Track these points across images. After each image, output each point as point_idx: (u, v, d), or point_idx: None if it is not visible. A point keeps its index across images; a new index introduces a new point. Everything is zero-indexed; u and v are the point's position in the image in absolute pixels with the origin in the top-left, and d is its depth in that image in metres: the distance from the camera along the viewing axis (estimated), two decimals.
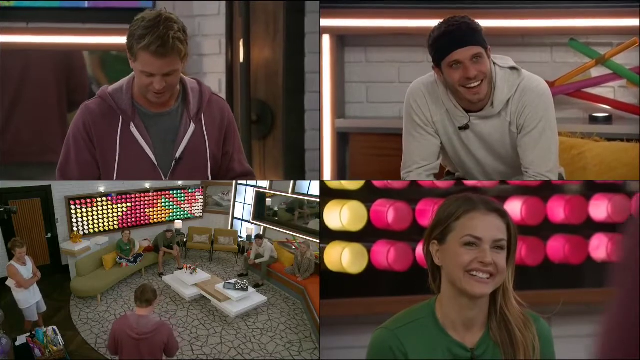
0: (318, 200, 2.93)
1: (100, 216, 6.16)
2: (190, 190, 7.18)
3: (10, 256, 4.07)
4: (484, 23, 2.49)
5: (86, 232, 6.01)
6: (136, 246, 6.01)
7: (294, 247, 5.95)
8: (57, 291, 5.11)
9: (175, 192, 7.03)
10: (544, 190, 2.91)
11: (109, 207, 6.24)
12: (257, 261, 5.87)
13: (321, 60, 3.71)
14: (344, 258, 2.78)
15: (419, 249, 2.68)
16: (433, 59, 2.50)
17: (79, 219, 5.94)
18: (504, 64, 2.53)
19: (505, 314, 1.55)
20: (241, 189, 7.19)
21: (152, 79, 2.18)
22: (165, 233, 6.37)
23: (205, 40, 3.83)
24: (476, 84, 2.45)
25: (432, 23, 2.51)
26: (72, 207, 5.86)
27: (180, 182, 6.83)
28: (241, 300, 4.87)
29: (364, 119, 3.84)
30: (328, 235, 2.82)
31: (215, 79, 3.78)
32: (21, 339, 3.54)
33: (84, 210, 5.97)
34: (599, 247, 2.91)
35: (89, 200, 5.99)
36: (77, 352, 4.02)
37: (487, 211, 1.52)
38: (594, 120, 3.57)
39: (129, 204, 6.46)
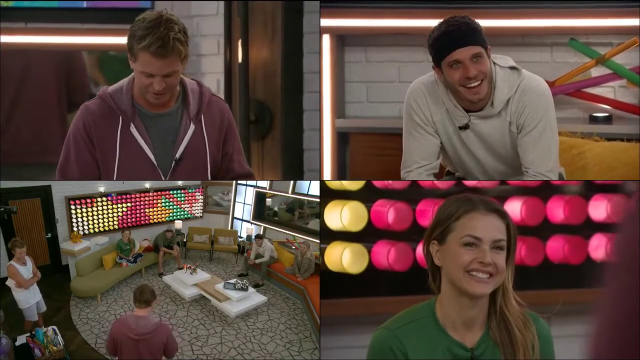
0: (318, 200, 2.93)
1: (100, 216, 6.16)
2: (190, 191, 7.18)
3: (10, 256, 4.07)
4: (484, 23, 2.49)
5: (86, 232, 6.01)
6: (136, 246, 6.01)
7: (294, 247, 5.95)
8: (57, 291, 5.11)
9: (175, 192, 7.03)
10: (544, 191, 2.91)
11: (109, 207, 6.24)
12: (257, 261, 5.87)
13: (321, 60, 3.71)
14: (344, 258, 2.78)
15: (419, 249, 2.68)
16: (433, 58, 2.50)
17: (79, 219, 5.94)
18: (504, 64, 2.53)
19: (504, 314, 1.55)
20: (241, 189, 7.19)
21: (151, 80, 2.18)
22: (165, 233, 6.36)
23: (203, 41, 3.82)
24: (476, 83, 2.45)
25: (432, 23, 2.51)
26: (72, 207, 5.86)
27: (180, 182, 6.83)
28: (241, 300, 4.87)
29: (364, 119, 3.84)
30: (329, 236, 2.83)
31: (213, 79, 3.78)
32: (21, 339, 3.54)
33: (84, 210, 5.97)
34: (599, 247, 2.91)
35: (89, 200, 5.99)
36: (77, 352, 4.02)
37: (487, 211, 1.52)
38: (594, 120, 3.57)
39: (129, 204, 6.46)
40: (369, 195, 2.82)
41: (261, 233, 6.49)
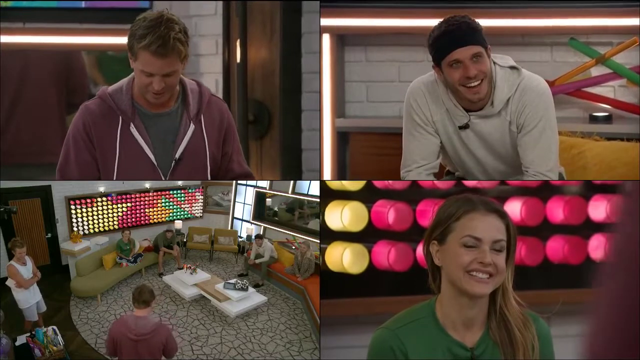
0: (318, 200, 2.93)
1: (100, 216, 6.16)
2: (190, 190, 7.18)
3: (10, 256, 4.07)
4: (484, 22, 2.49)
5: (86, 232, 6.01)
6: (136, 246, 6.01)
7: (294, 247, 5.95)
8: (57, 291, 5.11)
9: (175, 192, 7.02)
10: (544, 191, 2.91)
11: (109, 207, 6.24)
12: (257, 261, 5.86)
13: (321, 60, 3.71)
14: (345, 258, 2.79)
15: (420, 250, 2.68)
16: (433, 58, 2.50)
17: (79, 219, 5.94)
18: (504, 64, 2.53)
19: (504, 314, 1.55)
20: (241, 189, 7.19)
21: (151, 79, 2.18)
22: (165, 233, 6.36)
23: (202, 41, 3.82)
24: (476, 83, 2.45)
25: (432, 22, 2.51)
26: (72, 207, 5.86)
27: (180, 182, 6.83)
28: (241, 300, 4.87)
29: (364, 118, 3.84)
30: (329, 236, 2.83)
31: (212, 79, 3.78)
32: (21, 339, 3.54)
33: (84, 210, 5.97)
34: (598, 248, 2.91)
35: (89, 200, 5.99)
36: (77, 352, 4.02)
37: (487, 212, 1.52)
38: (594, 119, 3.57)
39: (129, 204, 6.46)
40: (370, 195, 2.82)
41: (261, 233, 6.49)
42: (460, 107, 2.54)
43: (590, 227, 2.93)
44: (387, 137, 3.67)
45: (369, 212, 2.80)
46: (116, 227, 6.29)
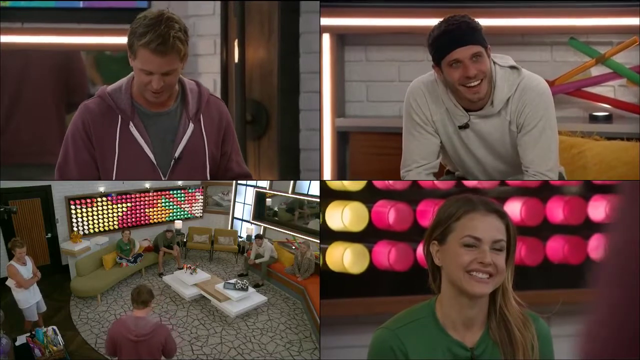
0: (318, 200, 2.93)
1: (100, 216, 6.16)
2: (190, 190, 7.18)
3: (10, 256, 4.07)
4: (483, 22, 2.48)
5: (86, 232, 6.01)
6: (136, 246, 6.01)
7: (294, 247, 5.95)
8: (57, 291, 5.11)
9: (175, 192, 7.02)
10: (543, 191, 2.91)
11: (109, 207, 6.24)
12: (257, 261, 5.86)
13: (321, 59, 3.71)
14: (345, 258, 2.79)
15: (420, 250, 2.67)
16: (433, 58, 2.49)
17: (79, 219, 5.94)
18: (504, 63, 2.53)
19: (504, 314, 1.55)
20: (241, 189, 7.19)
21: (150, 78, 2.18)
22: (165, 233, 6.36)
23: (200, 41, 3.82)
24: (476, 83, 2.44)
25: (432, 22, 2.51)
26: (72, 207, 5.86)
27: (180, 182, 6.83)
28: (241, 300, 4.87)
29: (364, 118, 3.84)
30: (330, 236, 2.83)
31: (210, 79, 3.78)
32: (21, 339, 3.54)
33: (84, 210, 5.97)
34: (598, 248, 2.91)
35: (89, 200, 5.99)
36: (77, 352, 4.02)
37: (487, 212, 1.52)
38: (594, 119, 3.57)
39: (129, 204, 6.46)
40: (370, 195, 2.83)
41: (261, 233, 6.49)
42: (460, 106, 2.54)
43: (590, 227, 2.93)
44: (387, 136, 3.67)
45: (370, 212, 2.80)
46: (116, 227, 6.29)
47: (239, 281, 5.13)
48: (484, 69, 2.44)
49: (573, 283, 2.83)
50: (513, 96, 2.51)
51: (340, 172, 3.80)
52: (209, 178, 2.39)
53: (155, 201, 6.78)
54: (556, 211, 2.90)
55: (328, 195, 2.84)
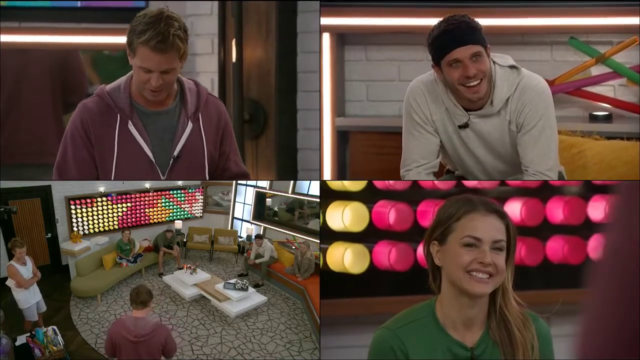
0: (318, 200, 2.93)
1: (100, 216, 6.15)
2: (190, 190, 7.18)
3: (10, 256, 4.07)
4: (483, 21, 2.48)
5: (86, 232, 6.01)
6: (136, 246, 6.01)
7: (294, 247, 5.95)
8: (57, 291, 5.11)
9: (175, 192, 7.02)
10: (543, 192, 2.91)
11: (109, 207, 6.24)
12: (257, 261, 5.86)
13: (321, 59, 3.70)
14: (346, 258, 2.79)
15: (420, 250, 2.68)
16: (432, 57, 2.49)
17: (79, 219, 5.94)
18: (504, 63, 2.53)
19: (504, 314, 1.55)
20: (241, 189, 7.19)
21: (149, 76, 2.18)
22: (165, 233, 6.36)
23: (197, 40, 3.82)
24: (475, 82, 2.44)
25: (432, 21, 2.51)
26: (72, 207, 5.86)
27: (180, 182, 6.83)
28: (241, 300, 4.87)
29: (364, 118, 3.84)
30: (330, 236, 2.83)
31: (207, 78, 3.78)
32: (21, 339, 3.54)
33: (84, 210, 5.97)
34: (598, 248, 2.90)
35: (89, 200, 5.99)
36: (77, 352, 4.02)
37: (487, 212, 1.52)
38: (593, 118, 3.57)
39: (129, 204, 6.45)
40: (370, 196, 2.83)
41: (261, 233, 6.49)
42: (460, 106, 2.54)
43: (589, 228, 2.93)
44: (387, 136, 3.67)
45: (370, 212, 2.80)
46: (116, 227, 6.29)
47: (239, 281, 5.13)
48: (484, 69, 2.44)
49: (573, 283, 2.83)
50: (513, 96, 2.51)
51: (340, 172, 3.79)
52: (207, 177, 2.39)
53: (155, 201, 6.78)
54: (556, 211, 2.90)
55: (328, 195, 2.84)
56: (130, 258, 5.82)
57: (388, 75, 3.80)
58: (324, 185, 2.88)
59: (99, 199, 6.10)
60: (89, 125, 2.27)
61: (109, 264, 5.62)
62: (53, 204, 5.72)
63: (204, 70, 3.83)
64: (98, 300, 5.04)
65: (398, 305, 1.64)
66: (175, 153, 2.30)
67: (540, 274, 2.89)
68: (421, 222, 2.79)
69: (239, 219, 7.25)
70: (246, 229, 6.82)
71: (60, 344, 3.62)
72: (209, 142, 2.36)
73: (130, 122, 2.27)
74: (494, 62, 2.51)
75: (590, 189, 2.96)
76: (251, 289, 5.11)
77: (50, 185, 5.60)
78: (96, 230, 6.13)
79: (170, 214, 7.01)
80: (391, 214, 2.77)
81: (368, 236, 2.82)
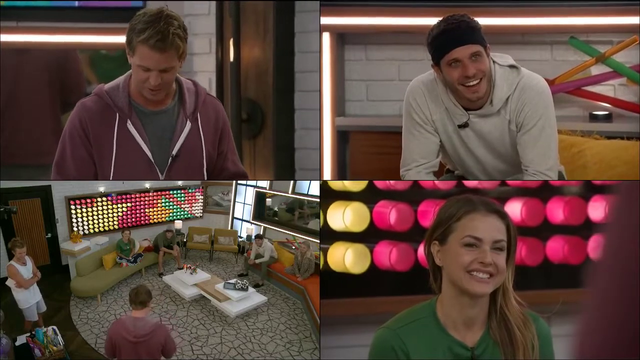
0: (318, 200, 2.93)
1: (100, 216, 6.15)
2: (190, 190, 7.18)
3: (10, 256, 4.07)
4: (483, 21, 2.48)
5: (86, 232, 6.01)
6: (136, 246, 6.01)
7: (294, 247, 5.95)
8: (57, 291, 5.11)
9: (175, 192, 7.02)
10: (544, 192, 2.91)
11: (109, 207, 6.24)
12: (257, 261, 5.86)
13: (321, 58, 3.70)
14: (347, 258, 2.79)
15: (421, 250, 2.68)
16: (432, 57, 2.49)
17: (79, 219, 5.94)
18: (504, 62, 2.53)
19: (505, 314, 1.55)
20: (241, 189, 7.19)
21: (148, 74, 2.18)
22: (165, 233, 6.36)
23: (195, 40, 3.82)
24: (475, 82, 2.44)
25: (432, 21, 2.51)
26: (72, 207, 5.86)
27: (180, 182, 6.83)
28: (241, 300, 4.87)
29: (364, 117, 3.84)
30: (331, 236, 2.83)
31: (205, 78, 3.78)
32: (21, 339, 3.54)
33: (84, 210, 5.97)
34: (598, 248, 2.90)
35: (89, 200, 5.99)
36: (77, 352, 4.02)
37: (487, 212, 1.52)
38: (594, 118, 3.57)
39: (129, 204, 6.45)
40: (371, 196, 2.83)
41: (261, 233, 6.49)
42: (460, 106, 2.54)
43: (590, 228, 2.92)
44: (387, 135, 3.67)
45: (371, 212, 2.80)
46: (116, 227, 6.29)
47: (239, 281, 5.13)
48: (483, 68, 2.44)
49: (573, 283, 2.83)
50: (512, 95, 2.51)
51: (341, 172, 3.79)
52: (205, 177, 2.39)
53: (155, 201, 6.78)
54: (556, 211, 2.90)
55: (329, 195, 2.84)
56: (130, 258, 5.82)
57: (388, 74, 3.80)
58: (324, 186, 2.88)
59: (99, 199, 6.10)
60: (87, 124, 2.27)
61: (109, 264, 5.62)
62: (53, 204, 5.72)
63: (201, 69, 3.84)
64: (98, 300, 5.04)
65: (399, 305, 1.64)
66: (174, 152, 2.30)
67: (541, 274, 2.89)
68: (422, 222, 2.79)
69: (239, 219, 7.25)
70: (246, 229, 6.82)
71: (60, 344, 3.62)
72: (207, 142, 2.36)
73: (129, 121, 2.27)
74: (493, 61, 2.51)
75: (590, 189, 2.96)
76: (251, 289, 5.11)
77: (50, 185, 5.60)
78: (96, 230, 6.13)
79: (170, 214, 7.01)
80: (392, 214, 2.77)
81: (369, 236, 2.82)
